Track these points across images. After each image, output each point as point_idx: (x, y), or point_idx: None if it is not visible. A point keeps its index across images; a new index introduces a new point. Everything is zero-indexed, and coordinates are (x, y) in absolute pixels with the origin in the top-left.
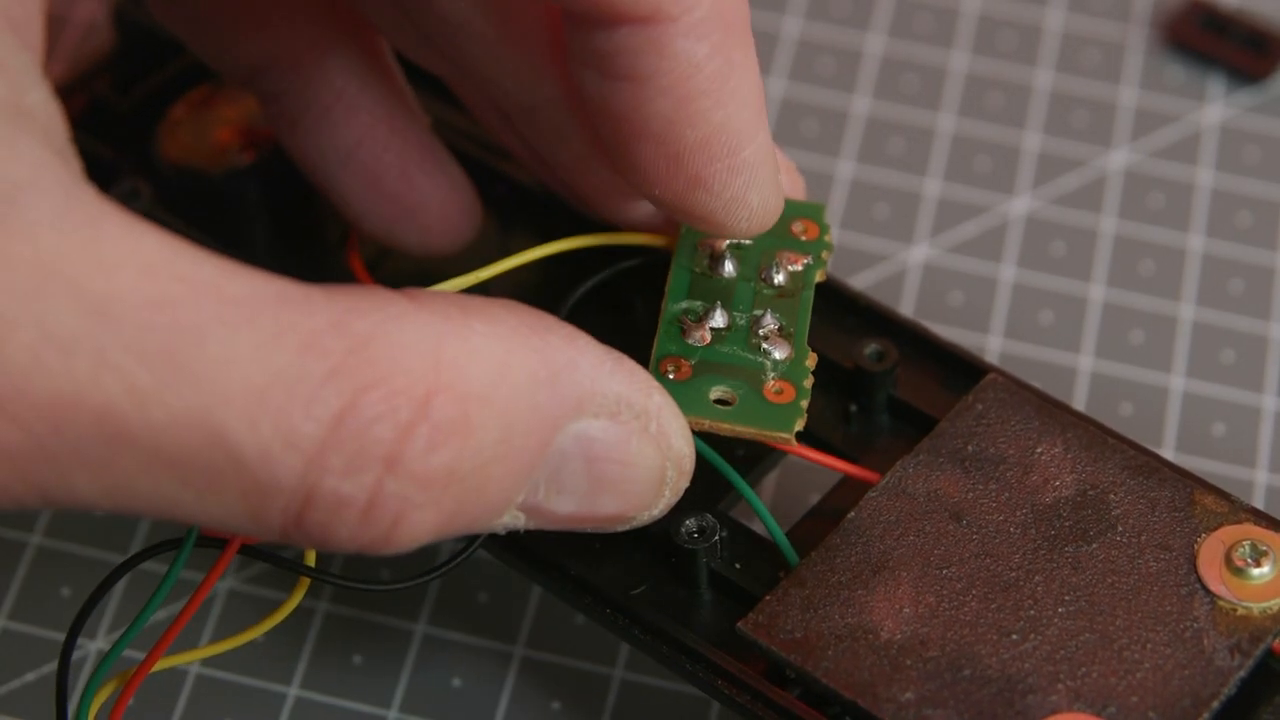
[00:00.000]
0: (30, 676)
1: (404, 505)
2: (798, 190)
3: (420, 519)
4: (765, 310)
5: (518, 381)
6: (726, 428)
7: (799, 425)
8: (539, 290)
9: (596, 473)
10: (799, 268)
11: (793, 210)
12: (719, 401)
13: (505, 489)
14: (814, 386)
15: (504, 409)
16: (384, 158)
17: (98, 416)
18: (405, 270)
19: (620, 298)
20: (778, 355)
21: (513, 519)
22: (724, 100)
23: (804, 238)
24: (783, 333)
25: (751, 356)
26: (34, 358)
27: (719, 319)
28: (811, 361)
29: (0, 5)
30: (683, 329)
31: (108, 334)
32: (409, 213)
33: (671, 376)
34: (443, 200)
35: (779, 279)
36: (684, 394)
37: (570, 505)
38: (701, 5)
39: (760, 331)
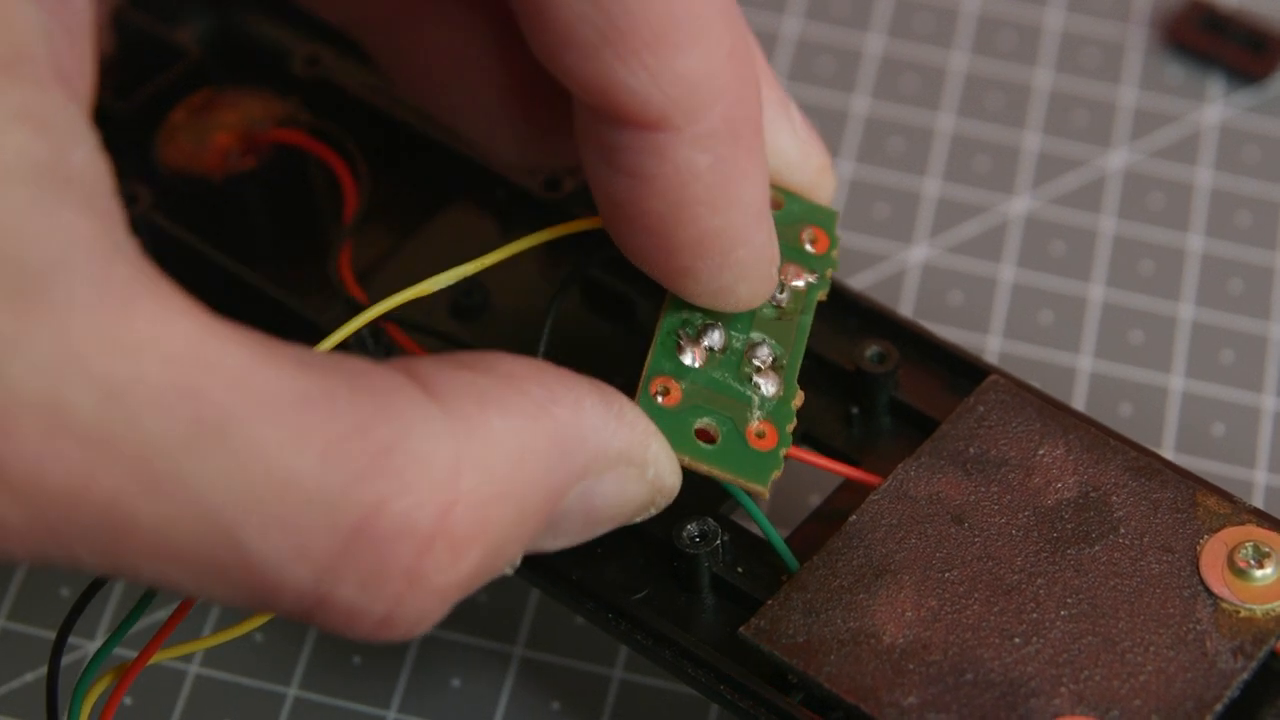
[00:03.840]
0: (29, 677)
1: (423, 612)
2: (826, 185)
3: (437, 615)
4: (763, 338)
5: (533, 470)
6: (704, 468)
7: (775, 475)
8: (539, 285)
9: (593, 517)
10: (801, 285)
11: (806, 214)
12: (701, 432)
13: (512, 557)
14: (815, 389)
15: (520, 499)
16: (533, 101)
17: (106, 504)
18: (397, 275)
19: (618, 288)
20: (766, 391)
21: (510, 568)
22: (721, 208)
23: (812, 248)
24: (775, 364)
25: (740, 389)
26: (47, 443)
27: (716, 339)
28: (799, 401)
29: (52, 54)
30: (679, 344)
31: (123, 423)
32: (566, 142)
33: (661, 400)
34: None
35: (781, 297)
36: (670, 424)
37: (563, 543)
38: (710, 118)
39: (754, 361)
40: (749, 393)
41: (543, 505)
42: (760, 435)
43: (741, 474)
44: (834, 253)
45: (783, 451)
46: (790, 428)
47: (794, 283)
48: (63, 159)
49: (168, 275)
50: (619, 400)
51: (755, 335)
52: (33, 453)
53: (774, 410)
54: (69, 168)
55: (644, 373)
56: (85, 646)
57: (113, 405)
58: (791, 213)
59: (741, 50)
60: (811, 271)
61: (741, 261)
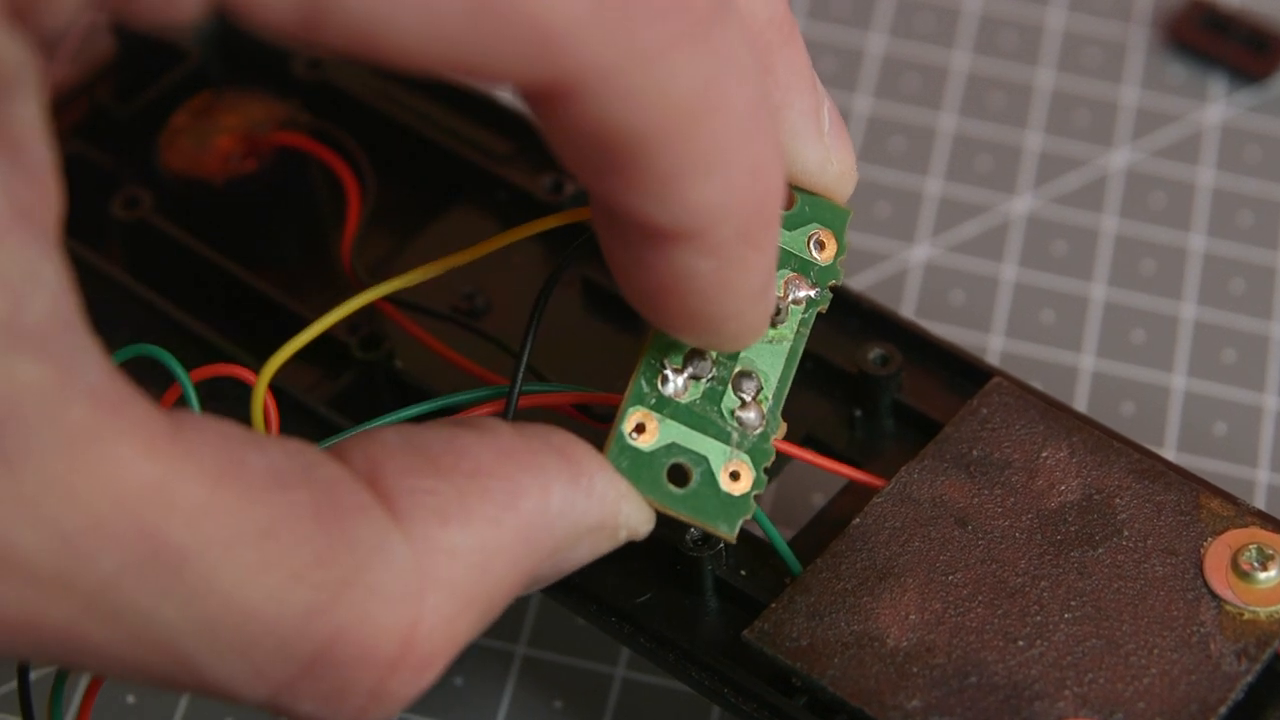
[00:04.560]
0: (30, 676)
1: (392, 713)
2: (843, 190)
3: (405, 706)
4: (751, 366)
5: (499, 571)
6: (672, 514)
7: (745, 518)
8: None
9: (566, 572)
10: (801, 297)
11: (817, 213)
12: (674, 469)
13: (479, 632)
14: (818, 391)
15: (487, 600)
16: None
17: (60, 632)
18: (400, 267)
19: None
20: (749, 425)
21: None
22: (715, 298)
23: (818, 255)
24: (760, 396)
25: (720, 423)
26: None
27: (703, 366)
28: (780, 432)
29: (7, 197)
30: (662, 370)
31: (76, 564)
32: None
33: (636, 439)
34: None
35: (778, 319)
36: (642, 467)
37: (535, 590)
38: (722, 230)
39: (739, 394)
40: (728, 428)
41: (512, 593)
42: (734, 476)
43: (710, 520)
44: (839, 261)
45: (755, 494)
46: (767, 465)
47: (795, 294)
48: (17, 310)
49: (136, 395)
50: (589, 471)
51: (744, 360)
52: None
53: (752, 448)
54: (24, 318)
55: (622, 404)
56: None
57: (64, 548)
58: (802, 214)
59: (763, 163)
60: (813, 285)
61: (731, 333)
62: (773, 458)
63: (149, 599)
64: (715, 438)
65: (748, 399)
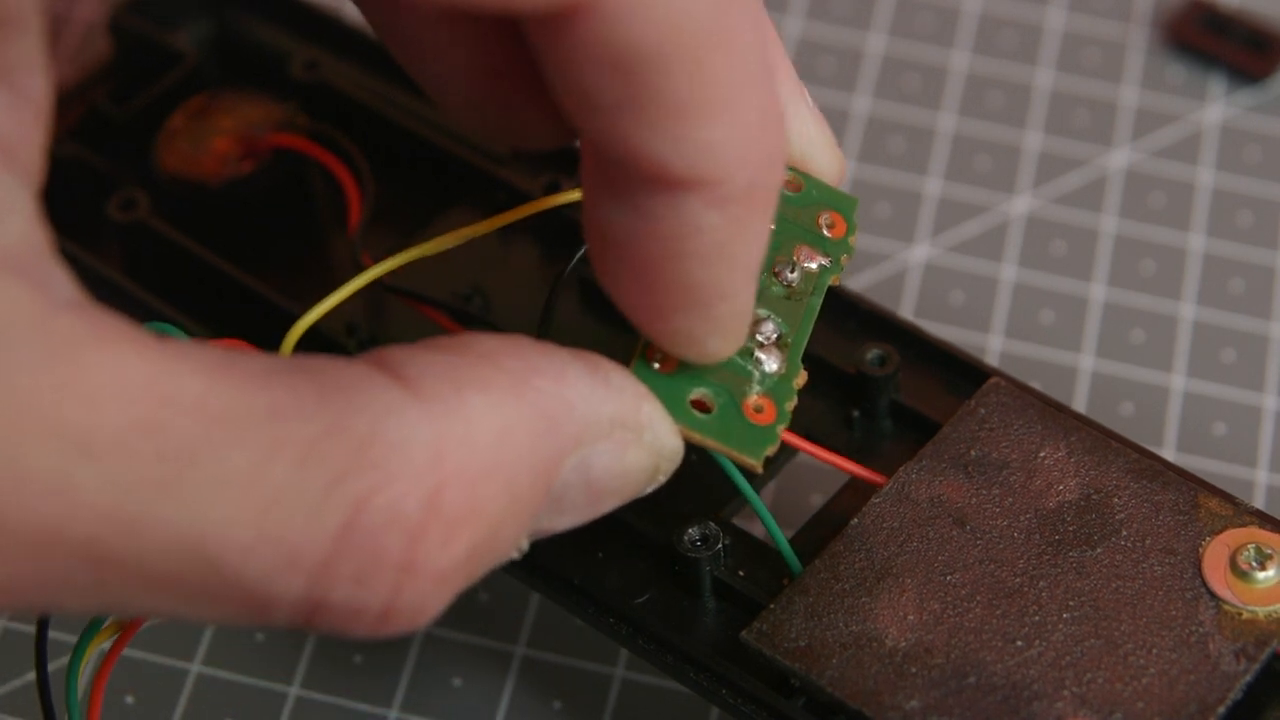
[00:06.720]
0: (31, 675)
1: (423, 600)
2: (835, 167)
3: (438, 603)
4: (769, 314)
5: (519, 444)
6: (697, 438)
7: (770, 451)
8: (539, 291)
9: (596, 489)
10: (814, 267)
11: (825, 198)
12: (696, 403)
13: (514, 539)
14: (816, 391)
15: (509, 475)
16: (506, 83)
17: (82, 546)
18: (399, 278)
19: None
20: (768, 367)
21: (518, 552)
22: (716, 263)
23: (828, 233)
24: (780, 342)
25: (741, 362)
26: (10, 497)
27: None
28: (801, 380)
29: None
30: None
31: (88, 469)
32: (532, 128)
33: (656, 366)
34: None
35: (792, 276)
36: (665, 390)
37: (570, 520)
38: (734, 181)
39: (757, 336)
40: (749, 367)
41: (536, 479)
42: (758, 410)
43: (735, 446)
44: (851, 239)
45: (780, 428)
46: (790, 405)
47: (806, 264)
48: None
49: (115, 314)
50: (606, 366)
51: (761, 312)
52: None
53: (774, 386)
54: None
55: (642, 337)
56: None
57: (74, 454)
58: (809, 196)
59: (772, 112)
60: (826, 255)
61: (720, 316)
62: (795, 400)
63: (166, 499)
64: (737, 373)
65: (767, 341)
